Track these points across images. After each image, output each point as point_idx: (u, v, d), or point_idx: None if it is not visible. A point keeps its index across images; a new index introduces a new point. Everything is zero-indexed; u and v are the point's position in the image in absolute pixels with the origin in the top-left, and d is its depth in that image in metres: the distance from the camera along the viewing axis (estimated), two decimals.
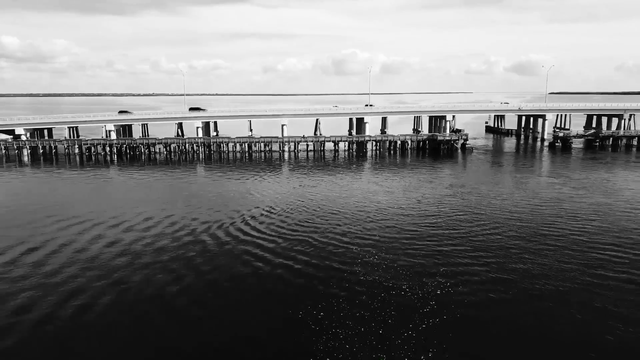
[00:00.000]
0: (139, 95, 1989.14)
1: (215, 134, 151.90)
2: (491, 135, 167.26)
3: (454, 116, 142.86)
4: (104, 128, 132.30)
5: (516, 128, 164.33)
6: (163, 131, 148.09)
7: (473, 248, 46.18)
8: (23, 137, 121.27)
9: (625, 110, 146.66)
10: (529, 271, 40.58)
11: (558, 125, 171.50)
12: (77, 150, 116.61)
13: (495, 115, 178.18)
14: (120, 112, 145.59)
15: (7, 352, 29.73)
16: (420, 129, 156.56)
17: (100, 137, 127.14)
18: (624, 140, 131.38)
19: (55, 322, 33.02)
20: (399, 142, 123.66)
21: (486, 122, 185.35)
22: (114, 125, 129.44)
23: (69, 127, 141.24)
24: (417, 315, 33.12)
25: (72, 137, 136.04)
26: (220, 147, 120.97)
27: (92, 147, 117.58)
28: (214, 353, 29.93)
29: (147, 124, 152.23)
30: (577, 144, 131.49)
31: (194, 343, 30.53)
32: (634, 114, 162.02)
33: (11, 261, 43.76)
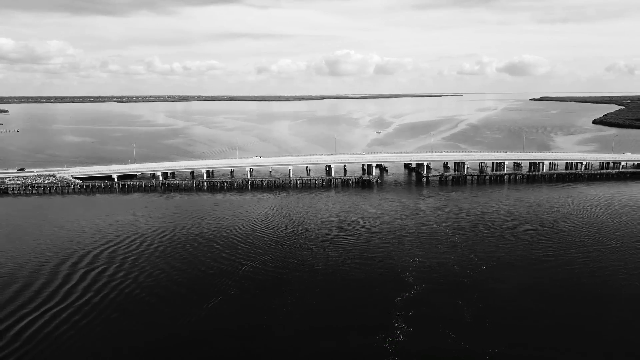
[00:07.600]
0: (136, 100, 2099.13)
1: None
2: (406, 171, 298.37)
3: (378, 164, 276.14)
4: (190, 170, 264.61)
5: (416, 167, 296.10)
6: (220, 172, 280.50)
7: (321, 220, 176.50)
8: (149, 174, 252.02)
9: (466, 160, 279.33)
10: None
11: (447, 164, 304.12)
12: (194, 184, 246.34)
13: None
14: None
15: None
16: (365, 169, 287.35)
17: (190, 177, 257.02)
18: (462, 179, 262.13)
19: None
20: (346, 180, 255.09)
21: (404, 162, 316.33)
22: (205, 169, 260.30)
23: (171, 172, 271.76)
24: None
25: (169, 178, 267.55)
26: (261, 182, 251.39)
27: (201, 184, 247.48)
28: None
29: (213, 170, 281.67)
30: (434, 180, 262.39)
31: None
32: (483, 162, 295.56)
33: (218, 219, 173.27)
